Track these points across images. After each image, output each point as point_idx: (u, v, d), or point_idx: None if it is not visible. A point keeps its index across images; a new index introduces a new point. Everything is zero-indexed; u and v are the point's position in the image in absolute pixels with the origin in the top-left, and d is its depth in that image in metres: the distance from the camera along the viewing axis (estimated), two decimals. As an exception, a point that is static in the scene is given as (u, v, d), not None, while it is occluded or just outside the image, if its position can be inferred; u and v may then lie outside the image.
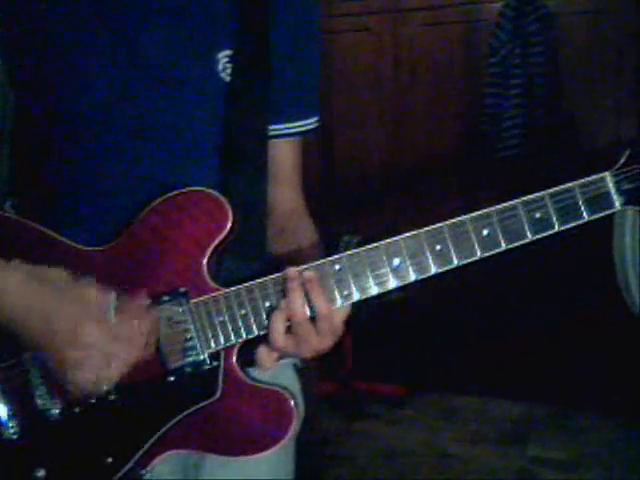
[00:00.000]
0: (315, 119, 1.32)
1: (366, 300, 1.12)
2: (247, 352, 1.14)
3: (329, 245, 1.32)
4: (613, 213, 1.07)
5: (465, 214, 1.10)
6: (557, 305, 4.24)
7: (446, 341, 4.31)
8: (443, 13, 4.50)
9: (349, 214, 4.58)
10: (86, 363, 1.05)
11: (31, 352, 1.12)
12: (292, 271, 1.09)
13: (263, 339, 1.12)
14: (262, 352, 1.13)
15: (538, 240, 1.08)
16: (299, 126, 1.30)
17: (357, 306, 1.13)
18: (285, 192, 1.31)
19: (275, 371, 1.19)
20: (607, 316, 3.83)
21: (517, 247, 1.09)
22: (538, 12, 4.14)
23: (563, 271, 4.28)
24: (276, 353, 1.13)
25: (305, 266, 1.10)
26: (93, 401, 1.12)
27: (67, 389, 1.09)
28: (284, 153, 1.30)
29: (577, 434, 3.87)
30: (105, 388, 1.08)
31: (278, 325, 1.09)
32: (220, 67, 1.19)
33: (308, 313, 1.09)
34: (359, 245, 1.11)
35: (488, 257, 1.09)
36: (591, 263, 4.09)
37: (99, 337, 1.05)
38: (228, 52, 1.20)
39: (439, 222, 1.10)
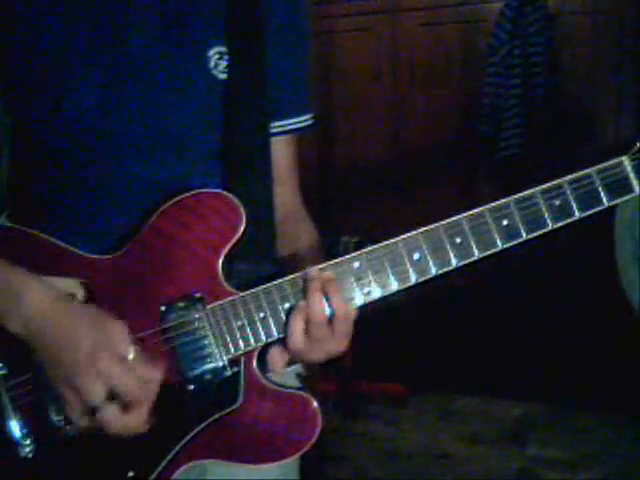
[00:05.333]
0: (310, 116, 1.30)
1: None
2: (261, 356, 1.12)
3: (328, 245, 1.31)
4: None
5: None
6: (557, 305, 4.24)
7: (446, 341, 4.31)
8: (443, 13, 4.49)
9: (347, 213, 4.59)
10: (88, 387, 1.02)
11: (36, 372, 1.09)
12: (314, 271, 1.07)
13: (275, 342, 1.09)
14: (275, 354, 1.10)
15: (556, 230, 1.07)
16: (294, 123, 1.28)
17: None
18: (282, 193, 1.27)
19: (280, 379, 1.16)
20: (607, 316, 3.84)
21: (537, 237, 1.07)
22: (538, 12, 4.14)
23: (563, 271, 4.28)
24: (288, 356, 1.10)
25: (323, 265, 1.08)
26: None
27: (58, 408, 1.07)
28: (280, 151, 1.27)
29: (577, 434, 3.87)
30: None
31: (297, 326, 1.06)
32: (212, 64, 1.16)
33: (328, 313, 1.06)
34: (357, 246, 1.09)
35: (508, 248, 1.07)
36: (591, 263, 4.10)
37: (114, 370, 1.02)
38: (219, 49, 1.17)
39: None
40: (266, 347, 1.11)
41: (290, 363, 1.12)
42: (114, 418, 1.03)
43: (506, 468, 3.62)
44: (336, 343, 1.08)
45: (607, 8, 4.14)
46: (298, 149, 1.32)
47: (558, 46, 4.14)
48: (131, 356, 1.03)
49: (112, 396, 1.03)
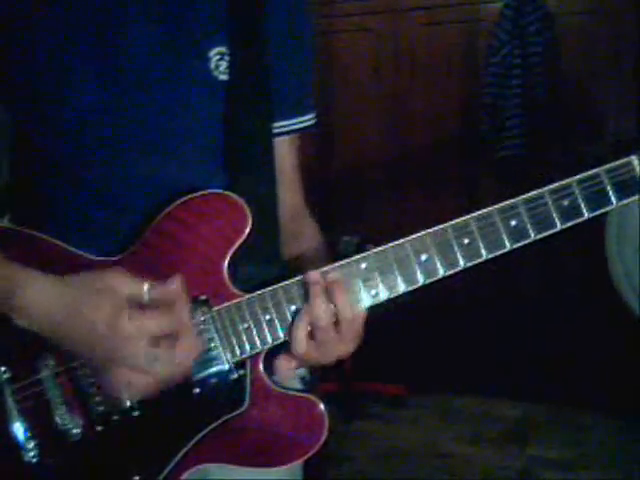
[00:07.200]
0: (312, 116, 1.29)
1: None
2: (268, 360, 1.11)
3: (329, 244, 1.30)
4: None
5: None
6: (558, 305, 4.24)
7: (446, 341, 4.31)
8: (443, 13, 4.49)
9: (346, 211, 4.59)
10: (130, 353, 1.00)
11: (57, 364, 1.08)
12: (314, 274, 1.05)
13: (282, 347, 1.08)
14: (281, 360, 1.09)
15: (565, 230, 1.06)
16: (296, 123, 1.27)
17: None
18: (285, 194, 1.26)
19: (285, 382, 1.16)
20: (608, 316, 3.84)
21: (546, 237, 1.06)
22: (538, 12, 4.13)
23: (564, 271, 4.28)
24: (296, 361, 1.09)
25: (330, 266, 1.06)
26: (116, 418, 1.08)
27: (113, 390, 1.05)
28: (282, 152, 1.26)
29: (577, 434, 3.88)
30: (152, 385, 1.03)
31: (300, 330, 1.05)
32: (212, 65, 1.16)
33: (332, 318, 1.04)
34: (359, 246, 1.09)
35: (517, 248, 1.06)
36: (592, 263, 4.10)
37: (136, 323, 0.99)
38: (220, 49, 1.16)
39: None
40: (273, 351, 1.10)
41: (298, 367, 1.11)
42: (171, 355, 1.01)
43: (506, 468, 3.62)
44: (344, 346, 1.07)
45: (606, 8, 4.14)
46: (300, 149, 1.31)
47: (558, 46, 4.13)
48: (145, 289, 1.01)
49: (156, 340, 1.01)
